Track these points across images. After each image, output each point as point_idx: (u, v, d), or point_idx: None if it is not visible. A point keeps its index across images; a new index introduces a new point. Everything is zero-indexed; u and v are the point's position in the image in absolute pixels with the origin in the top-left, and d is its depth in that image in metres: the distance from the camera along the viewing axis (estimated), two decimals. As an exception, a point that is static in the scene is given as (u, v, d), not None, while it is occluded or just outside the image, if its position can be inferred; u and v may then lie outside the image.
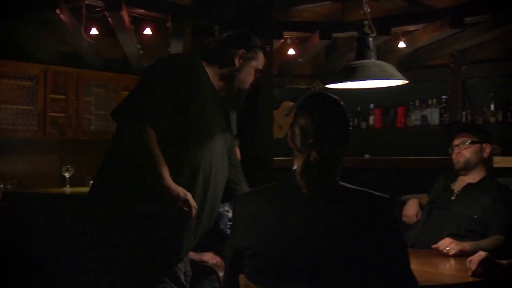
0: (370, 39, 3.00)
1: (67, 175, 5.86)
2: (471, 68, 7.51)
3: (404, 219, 3.57)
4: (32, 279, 4.84)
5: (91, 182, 2.61)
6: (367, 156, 7.14)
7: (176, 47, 6.43)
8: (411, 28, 6.39)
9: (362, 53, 2.98)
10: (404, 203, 3.69)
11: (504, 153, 6.60)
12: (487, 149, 3.35)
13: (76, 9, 5.78)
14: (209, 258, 3.48)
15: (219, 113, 2.51)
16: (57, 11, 5.16)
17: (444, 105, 7.73)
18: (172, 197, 2.14)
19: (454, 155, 3.39)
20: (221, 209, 3.51)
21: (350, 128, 1.87)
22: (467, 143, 3.33)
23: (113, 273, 2.27)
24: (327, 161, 1.76)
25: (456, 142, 3.39)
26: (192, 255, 2.97)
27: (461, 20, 5.69)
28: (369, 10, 3.02)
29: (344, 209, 1.74)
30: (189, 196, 2.17)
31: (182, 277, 2.35)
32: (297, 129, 1.83)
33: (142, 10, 6.05)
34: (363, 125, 8.21)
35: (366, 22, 3.01)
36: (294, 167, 1.82)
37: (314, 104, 1.87)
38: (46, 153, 7.05)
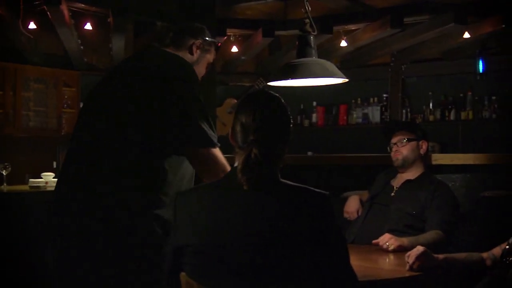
0: (311, 37, 3.02)
1: (4, 172, 5.71)
2: (410, 67, 7.67)
3: (345, 215, 3.62)
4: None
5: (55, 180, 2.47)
6: (310, 153, 7.19)
7: (117, 43, 6.33)
8: (353, 27, 6.47)
9: (303, 51, 2.99)
10: (345, 199, 3.73)
11: (442, 151, 6.78)
12: (424, 145, 3.44)
13: (14, 3, 5.62)
14: None
15: None
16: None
17: (385, 103, 7.87)
18: None
19: (392, 153, 3.46)
20: None
21: (291, 125, 1.88)
22: (404, 141, 3.41)
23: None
24: (268, 158, 1.76)
25: (394, 140, 3.46)
26: None
27: (401, 20, 5.80)
28: (310, 8, 3.03)
29: (285, 205, 1.75)
30: None
31: None
32: (238, 126, 1.82)
33: (82, 5, 5.93)
34: (306, 122, 8.29)
35: (307, 20, 3.02)
36: (235, 164, 1.82)
37: (254, 101, 1.87)
38: (-18, 150, 6.84)
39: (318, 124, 8.25)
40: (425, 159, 3.48)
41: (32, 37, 6.29)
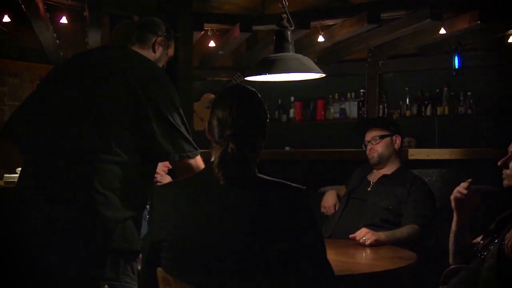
0: (289, 32, 3.02)
1: (-22, 168, 5.63)
2: (387, 63, 7.71)
3: (323, 210, 3.64)
4: None
5: (19, 170, 2.42)
6: (287, 148, 7.21)
7: (94, 36, 6.27)
8: (330, 22, 6.48)
9: (280, 46, 2.99)
10: (322, 194, 3.75)
11: (418, 146, 6.83)
12: (398, 140, 3.46)
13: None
14: None
15: None
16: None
17: (362, 98, 7.91)
18: None
19: (367, 151, 3.48)
20: None
21: (268, 120, 1.88)
22: (378, 138, 3.42)
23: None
24: (245, 152, 1.76)
25: (368, 137, 3.48)
26: None
27: (378, 15, 5.82)
28: (287, 3, 3.03)
29: (262, 200, 1.75)
30: None
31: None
32: (214, 121, 1.82)
33: (58, -2, 5.86)
34: (284, 117, 8.29)
35: (284, 15, 3.02)
36: (212, 159, 1.81)
37: (231, 96, 1.86)
38: (-45, 146, 6.74)
39: (296, 119, 8.26)
40: (400, 153, 3.51)
41: (6, 30, 6.21)
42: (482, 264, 2.36)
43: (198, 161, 2.32)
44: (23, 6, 5.40)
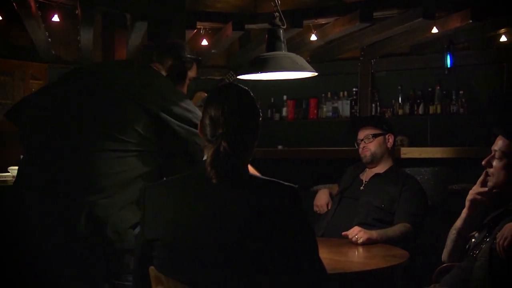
0: (281, 31, 3.01)
1: (-31, 167, 5.60)
2: (380, 62, 7.72)
3: (315, 208, 3.64)
4: None
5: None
6: (280, 147, 7.21)
7: (86, 35, 6.25)
8: (323, 21, 6.48)
9: (273, 45, 2.99)
10: (315, 193, 3.76)
11: (411, 144, 6.84)
12: (390, 139, 3.46)
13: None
14: None
15: None
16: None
17: (354, 97, 7.91)
18: None
19: (360, 150, 3.48)
20: None
21: (260, 118, 1.88)
22: (371, 137, 3.43)
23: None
24: (237, 151, 1.76)
25: (361, 136, 3.48)
26: None
27: (370, 14, 5.83)
28: (279, 2, 3.03)
29: (254, 199, 1.75)
30: None
31: None
32: (207, 119, 1.81)
33: (50, -4, 5.84)
34: (277, 116, 8.28)
35: (277, 14, 3.02)
36: (204, 158, 1.81)
37: (223, 94, 1.86)
38: None
39: (289, 118, 8.26)
40: (392, 152, 3.51)
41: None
42: (474, 263, 2.37)
43: None
44: (14, 4, 5.37)
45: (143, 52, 2.61)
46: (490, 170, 2.47)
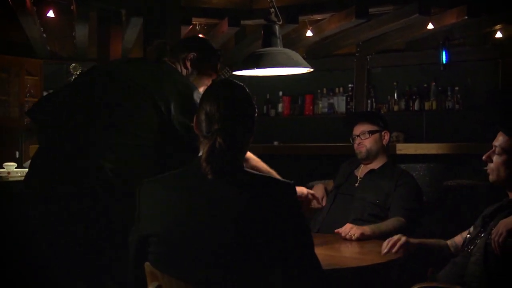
0: (277, 27, 3.01)
1: (-35, 163, 5.58)
2: (375, 58, 7.73)
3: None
4: None
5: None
6: (276, 143, 7.22)
7: (81, 31, 6.24)
8: (318, 17, 6.48)
9: (268, 41, 2.99)
10: (311, 189, 3.75)
11: (406, 140, 6.86)
12: (386, 136, 3.46)
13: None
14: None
15: None
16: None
17: (350, 93, 7.92)
18: None
19: (355, 146, 3.47)
20: None
21: (256, 114, 1.88)
22: (367, 133, 3.42)
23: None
24: (232, 147, 1.76)
25: (357, 132, 3.47)
26: None
27: (366, 10, 5.83)
28: (275, -2, 3.03)
29: (249, 195, 1.75)
30: None
31: None
32: (202, 115, 1.81)
33: (45, -8, 5.83)
34: (272, 112, 8.29)
35: (272, 10, 3.02)
36: (200, 153, 1.81)
37: (219, 90, 1.86)
38: None
39: (284, 114, 8.27)
40: (387, 149, 3.51)
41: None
42: (468, 258, 2.38)
43: None
44: (9, 0, 5.36)
45: (157, 47, 2.60)
46: (491, 166, 2.49)
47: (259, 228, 1.70)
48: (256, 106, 1.90)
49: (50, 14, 6.21)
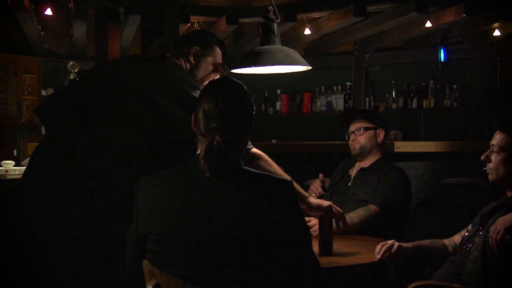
0: (275, 25, 3.01)
1: (-38, 161, 5.57)
2: (373, 56, 7.73)
3: (311, 193, 3.63)
4: None
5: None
6: (274, 141, 7.22)
7: (79, 28, 6.23)
8: (316, 15, 6.48)
9: (266, 39, 2.98)
10: (309, 187, 3.76)
11: (404, 138, 6.86)
12: (381, 134, 3.46)
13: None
14: None
15: None
16: None
17: (348, 91, 7.93)
18: None
19: (350, 142, 3.48)
20: None
21: (254, 112, 1.88)
22: (362, 129, 3.42)
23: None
24: (230, 145, 1.76)
25: (352, 128, 3.48)
26: None
27: (364, 8, 5.83)
28: (273, -5, 3.02)
29: (247, 193, 1.75)
30: None
31: None
32: (200, 113, 1.81)
33: (42, -11, 5.81)
34: (271, 110, 8.30)
35: (271, 8, 3.02)
36: (198, 152, 1.81)
37: (217, 88, 1.86)
38: None
39: (282, 112, 8.27)
40: (382, 147, 3.51)
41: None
42: (467, 256, 2.38)
43: None
44: (7, -3, 5.36)
45: (160, 44, 2.58)
46: (490, 165, 2.49)
47: (257, 225, 1.71)
48: (254, 104, 1.90)
49: (48, 12, 6.19)
